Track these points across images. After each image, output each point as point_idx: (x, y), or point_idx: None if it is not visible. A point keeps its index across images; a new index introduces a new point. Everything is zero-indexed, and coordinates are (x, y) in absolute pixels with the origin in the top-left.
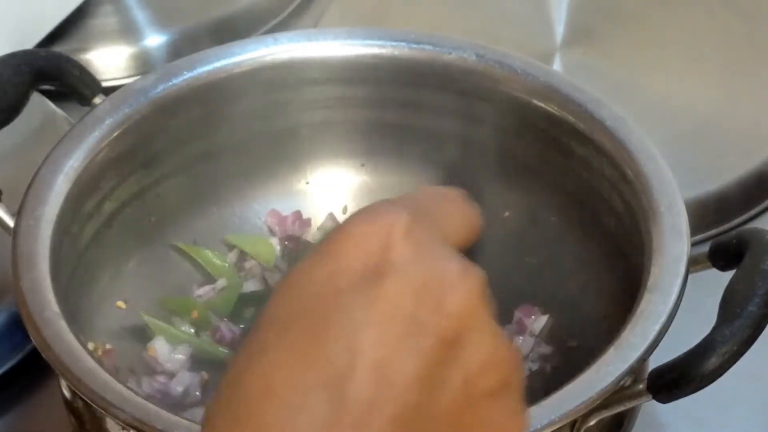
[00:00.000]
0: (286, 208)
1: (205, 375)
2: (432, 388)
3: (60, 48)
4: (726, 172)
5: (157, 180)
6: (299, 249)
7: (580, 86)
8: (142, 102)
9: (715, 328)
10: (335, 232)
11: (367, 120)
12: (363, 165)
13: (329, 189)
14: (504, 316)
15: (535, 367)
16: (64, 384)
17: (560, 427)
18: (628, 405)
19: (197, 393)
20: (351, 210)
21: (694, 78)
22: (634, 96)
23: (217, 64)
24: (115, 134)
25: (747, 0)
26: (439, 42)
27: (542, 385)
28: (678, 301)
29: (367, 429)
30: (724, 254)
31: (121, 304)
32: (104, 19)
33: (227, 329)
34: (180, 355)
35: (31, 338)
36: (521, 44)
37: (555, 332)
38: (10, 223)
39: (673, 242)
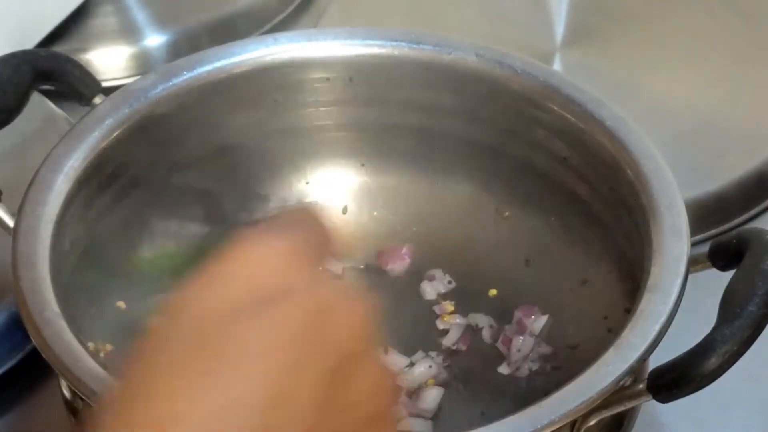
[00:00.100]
0: (286, 209)
1: None
2: (327, 412)
3: (60, 48)
4: (726, 172)
5: (157, 180)
6: None
7: (580, 86)
8: (142, 102)
9: (715, 328)
10: (218, 256)
11: (367, 120)
12: (363, 165)
13: (329, 189)
14: (504, 316)
15: (535, 367)
16: (64, 384)
17: (560, 427)
18: (628, 405)
19: None
20: (351, 210)
21: (694, 78)
22: (634, 96)
23: (217, 64)
24: (115, 134)
25: (747, 0)
26: (439, 42)
27: (542, 385)
28: (678, 301)
29: None
30: (724, 254)
31: (121, 304)
32: (104, 19)
33: None
34: None
35: (31, 338)
36: (521, 44)
37: (555, 332)
38: (10, 223)
39: (673, 242)
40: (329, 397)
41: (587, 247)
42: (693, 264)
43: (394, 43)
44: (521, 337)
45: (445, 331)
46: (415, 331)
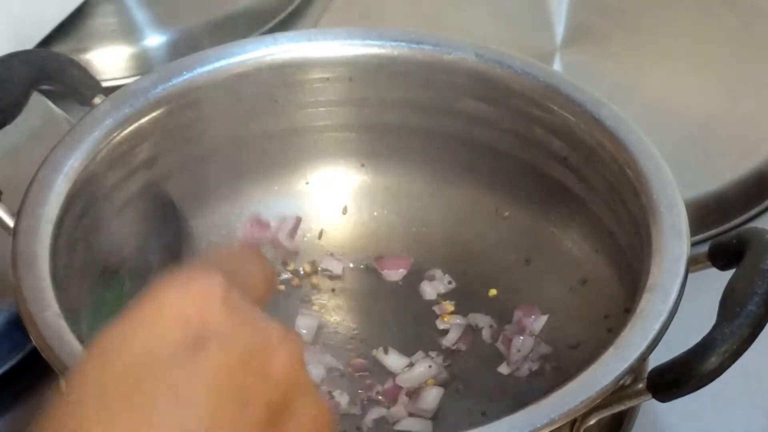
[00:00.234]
0: (286, 209)
1: None
2: None
3: (60, 48)
4: (726, 172)
5: (157, 180)
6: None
7: (580, 86)
8: (142, 102)
9: (714, 328)
10: (146, 297)
11: (367, 120)
12: (363, 165)
13: (329, 189)
14: (504, 316)
15: (535, 367)
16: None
17: (560, 427)
18: (628, 404)
19: None
20: (351, 210)
21: (694, 78)
22: (634, 96)
23: (217, 64)
24: (115, 134)
25: (747, 0)
26: (439, 42)
27: (542, 385)
28: (678, 300)
29: None
30: (724, 254)
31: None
32: (104, 19)
33: None
34: None
35: (31, 338)
36: (521, 44)
37: (555, 332)
38: (10, 223)
39: (673, 242)
40: None
41: (587, 247)
42: (693, 264)
43: (394, 43)
44: (521, 337)
45: (445, 331)
46: (415, 331)
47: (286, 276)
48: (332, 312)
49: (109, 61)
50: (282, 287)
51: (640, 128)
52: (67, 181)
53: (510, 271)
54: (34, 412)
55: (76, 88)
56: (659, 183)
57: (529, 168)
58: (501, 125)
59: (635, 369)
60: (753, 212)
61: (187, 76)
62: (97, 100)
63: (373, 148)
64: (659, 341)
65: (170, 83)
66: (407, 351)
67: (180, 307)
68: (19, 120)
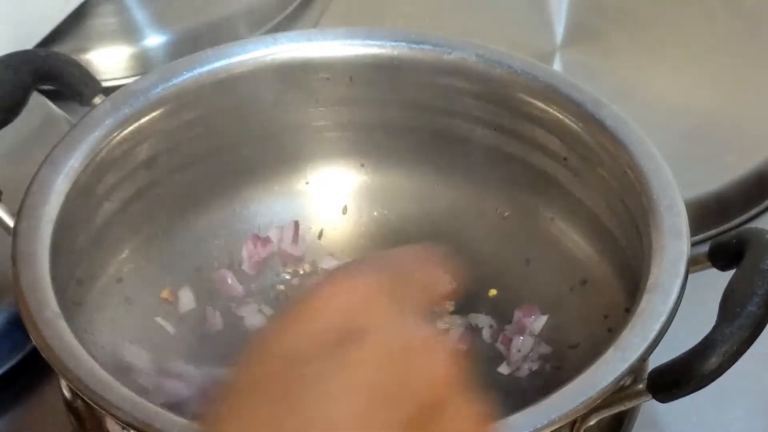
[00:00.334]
0: (286, 209)
1: None
2: None
3: (60, 48)
4: (726, 172)
5: (157, 180)
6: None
7: (580, 86)
8: (142, 102)
9: (715, 328)
10: (315, 289)
11: (367, 120)
12: (363, 165)
13: (329, 189)
14: (504, 316)
15: (535, 367)
16: (64, 384)
17: (560, 427)
18: (628, 405)
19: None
20: (351, 210)
21: (694, 78)
22: (634, 96)
23: (217, 64)
24: (115, 134)
25: (747, 0)
26: (439, 42)
27: (542, 385)
28: (678, 301)
29: None
30: (724, 254)
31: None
32: (104, 19)
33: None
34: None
35: (31, 338)
36: (521, 44)
37: (555, 332)
38: (10, 223)
39: (673, 242)
40: None
41: (587, 247)
42: (693, 264)
43: (394, 43)
44: (521, 337)
45: (445, 331)
46: None
47: (286, 276)
48: None
49: (109, 61)
50: (282, 287)
51: (640, 128)
52: (67, 181)
53: (510, 271)
54: (34, 412)
55: (76, 88)
56: (659, 183)
57: (529, 168)
58: (501, 125)
59: (635, 369)
60: (753, 212)
61: (187, 76)
62: (97, 100)
63: (373, 148)
64: (659, 342)
65: (170, 83)
66: None
67: (341, 304)
68: (19, 120)
